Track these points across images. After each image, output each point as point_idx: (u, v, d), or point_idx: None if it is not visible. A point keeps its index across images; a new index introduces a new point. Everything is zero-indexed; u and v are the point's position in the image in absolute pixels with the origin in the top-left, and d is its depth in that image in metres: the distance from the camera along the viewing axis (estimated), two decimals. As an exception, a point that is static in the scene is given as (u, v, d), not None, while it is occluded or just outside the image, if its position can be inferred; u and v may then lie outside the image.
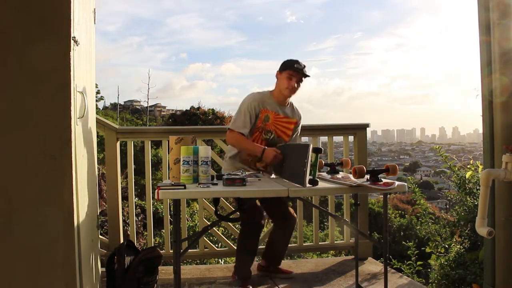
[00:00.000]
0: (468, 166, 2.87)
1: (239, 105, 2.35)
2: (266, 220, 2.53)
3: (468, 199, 2.72)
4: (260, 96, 2.35)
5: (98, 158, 2.46)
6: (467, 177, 2.75)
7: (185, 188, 1.68)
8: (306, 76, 2.30)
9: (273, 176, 2.19)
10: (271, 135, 2.34)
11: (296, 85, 2.31)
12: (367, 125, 3.04)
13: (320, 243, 3.07)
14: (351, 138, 3.04)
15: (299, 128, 2.49)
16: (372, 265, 2.77)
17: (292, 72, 2.28)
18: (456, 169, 2.93)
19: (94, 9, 2.08)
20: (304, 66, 2.30)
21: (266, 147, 2.18)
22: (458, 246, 2.77)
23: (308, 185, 1.69)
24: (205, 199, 2.86)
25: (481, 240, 2.37)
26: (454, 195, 2.98)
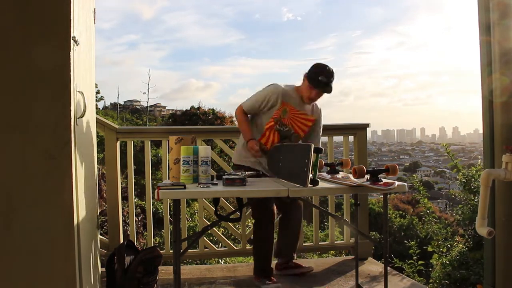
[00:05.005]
0: (476, 167, 2.86)
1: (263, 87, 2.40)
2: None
3: (473, 197, 2.72)
4: (284, 90, 2.35)
5: (98, 158, 2.46)
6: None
7: (185, 188, 1.68)
8: (328, 92, 2.32)
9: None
10: (286, 128, 2.34)
11: (315, 97, 2.34)
12: (367, 125, 3.03)
13: (320, 243, 3.06)
14: (351, 138, 3.03)
15: (319, 126, 2.49)
16: (373, 265, 2.77)
17: (314, 86, 2.29)
18: (461, 167, 2.93)
19: (94, 9, 2.08)
20: (330, 80, 2.28)
21: (253, 138, 2.29)
22: (460, 246, 2.77)
23: (308, 185, 1.69)
24: (205, 199, 2.86)
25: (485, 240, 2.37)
26: (458, 194, 2.98)
